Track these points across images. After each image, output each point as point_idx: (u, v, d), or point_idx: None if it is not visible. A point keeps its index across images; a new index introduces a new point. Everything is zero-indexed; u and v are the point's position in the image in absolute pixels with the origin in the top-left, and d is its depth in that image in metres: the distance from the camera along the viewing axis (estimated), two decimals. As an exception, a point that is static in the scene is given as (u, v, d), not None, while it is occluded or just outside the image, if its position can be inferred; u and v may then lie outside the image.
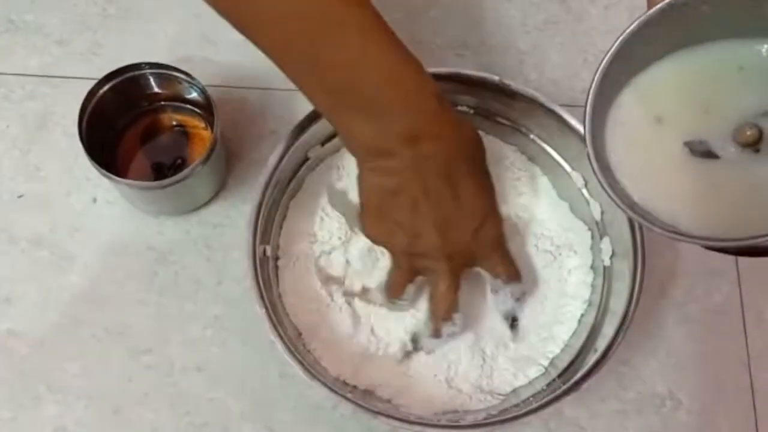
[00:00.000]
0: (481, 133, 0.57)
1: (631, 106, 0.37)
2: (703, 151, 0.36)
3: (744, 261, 0.60)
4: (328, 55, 0.42)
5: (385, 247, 0.50)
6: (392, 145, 0.44)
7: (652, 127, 0.37)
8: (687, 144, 0.36)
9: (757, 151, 0.34)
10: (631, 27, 0.35)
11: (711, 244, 0.33)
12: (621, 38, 0.35)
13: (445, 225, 0.47)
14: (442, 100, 0.44)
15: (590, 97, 0.36)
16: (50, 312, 0.56)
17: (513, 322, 0.54)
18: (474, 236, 0.48)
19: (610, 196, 0.35)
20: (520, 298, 0.53)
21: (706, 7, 0.35)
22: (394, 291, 0.52)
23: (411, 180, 0.45)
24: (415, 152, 0.44)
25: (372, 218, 0.49)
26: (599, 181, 0.36)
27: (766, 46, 0.36)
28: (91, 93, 0.53)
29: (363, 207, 0.49)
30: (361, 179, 0.48)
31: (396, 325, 0.53)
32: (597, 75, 0.36)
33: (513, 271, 0.51)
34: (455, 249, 0.48)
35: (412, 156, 0.44)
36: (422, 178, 0.45)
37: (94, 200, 0.59)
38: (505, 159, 0.58)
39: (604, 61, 0.36)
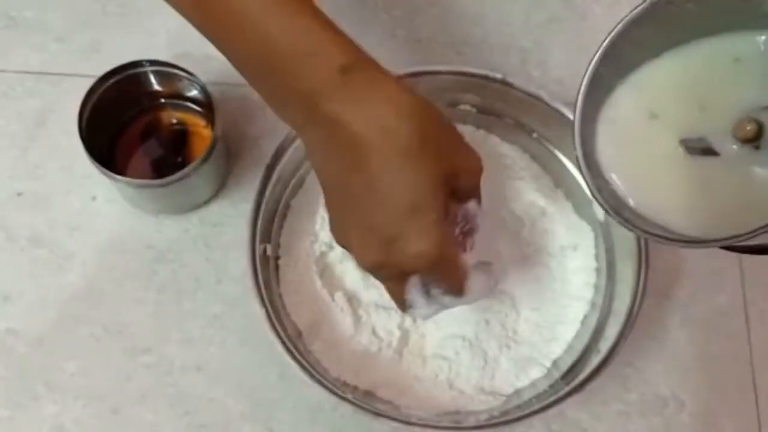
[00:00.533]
0: (482, 132, 0.58)
1: (624, 106, 0.37)
2: (702, 148, 0.35)
3: (748, 262, 0.59)
4: (215, 11, 0.38)
5: None
6: (293, 124, 0.39)
7: (646, 125, 0.36)
8: (684, 141, 0.36)
9: (757, 147, 0.33)
10: (617, 29, 0.35)
11: (696, 246, 0.33)
12: (607, 40, 0.35)
13: (366, 232, 0.38)
14: (351, 71, 0.36)
15: (579, 98, 0.36)
16: (49, 310, 0.55)
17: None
18: (387, 249, 0.37)
19: (595, 198, 0.35)
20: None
21: (691, 5, 0.34)
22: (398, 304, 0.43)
23: (321, 170, 0.39)
24: (313, 136, 0.37)
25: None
26: (587, 183, 0.35)
27: (764, 36, 0.35)
28: (92, 90, 0.53)
29: None
30: None
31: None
32: (585, 77, 0.36)
33: (454, 285, 0.41)
34: (372, 261, 0.39)
35: (313, 140, 0.38)
36: (331, 168, 0.38)
37: (94, 198, 0.58)
38: (507, 158, 0.57)
39: (592, 63, 0.36)
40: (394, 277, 0.40)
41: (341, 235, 0.41)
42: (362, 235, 0.38)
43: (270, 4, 0.37)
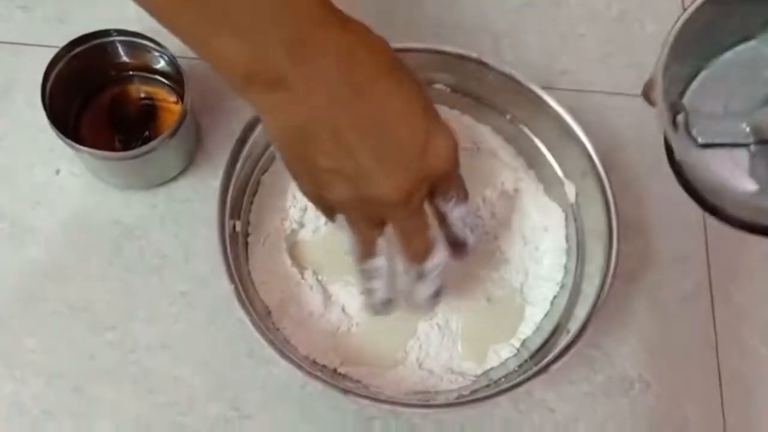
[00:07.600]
0: (456, 112, 0.58)
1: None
2: None
3: (713, 247, 0.60)
4: None
5: (329, 206, 0.42)
6: (277, 65, 0.35)
7: None
8: None
9: None
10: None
11: None
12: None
13: (386, 152, 0.37)
14: (326, 4, 0.36)
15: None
16: (9, 287, 0.54)
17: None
18: (423, 154, 0.38)
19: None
20: (473, 229, 0.44)
21: None
22: (361, 252, 0.43)
23: (320, 109, 0.36)
24: (310, 70, 0.35)
25: (299, 173, 0.40)
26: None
27: None
28: (56, 59, 0.51)
29: (284, 161, 0.40)
30: (264, 126, 0.39)
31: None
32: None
33: (464, 191, 0.43)
34: (408, 178, 0.38)
35: (308, 77, 0.35)
36: (333, 102, 0.36)
37: (58, 172, 0.57)
38: (480, 138, 0.57)
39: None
40: (419, 207, 0.40)
41: (359, 185, 0.38)
42: (390, 158, 0.38)
43: None
